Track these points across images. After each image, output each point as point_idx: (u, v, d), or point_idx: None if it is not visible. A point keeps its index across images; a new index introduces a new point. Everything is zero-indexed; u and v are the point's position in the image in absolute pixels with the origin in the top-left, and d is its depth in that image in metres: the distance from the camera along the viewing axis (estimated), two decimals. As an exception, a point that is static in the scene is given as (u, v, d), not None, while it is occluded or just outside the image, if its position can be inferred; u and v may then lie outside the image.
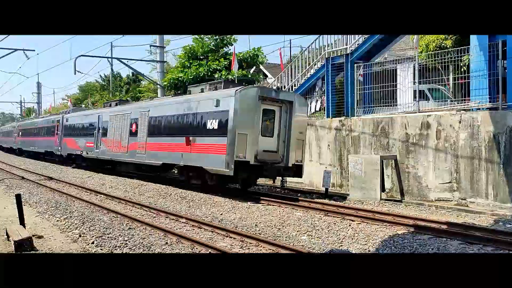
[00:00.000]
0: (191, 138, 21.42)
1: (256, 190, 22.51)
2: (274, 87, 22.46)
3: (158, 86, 34.93)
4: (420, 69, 19.40)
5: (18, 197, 14.37)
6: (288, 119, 20.71)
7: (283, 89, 24.61)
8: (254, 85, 22.71)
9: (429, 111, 18.89)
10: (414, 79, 19.64)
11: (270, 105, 20.46)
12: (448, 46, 23.78)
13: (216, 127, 20.14)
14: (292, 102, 20.76)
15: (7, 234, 12.96)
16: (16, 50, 31.08)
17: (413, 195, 18.52)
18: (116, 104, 32.16)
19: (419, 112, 19.04)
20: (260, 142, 20.09)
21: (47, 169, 35.29)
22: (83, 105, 53.65)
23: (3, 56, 34.08)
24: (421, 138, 18.40)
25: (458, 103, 18.64)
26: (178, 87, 31.97)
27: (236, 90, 19.61)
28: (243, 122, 19.37)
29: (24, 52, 31.18)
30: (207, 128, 20.61)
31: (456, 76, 19.27)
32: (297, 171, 20.78)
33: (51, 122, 44.97)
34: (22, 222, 13.91)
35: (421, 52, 23.76)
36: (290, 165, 20.59)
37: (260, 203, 18.95)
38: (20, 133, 58.10)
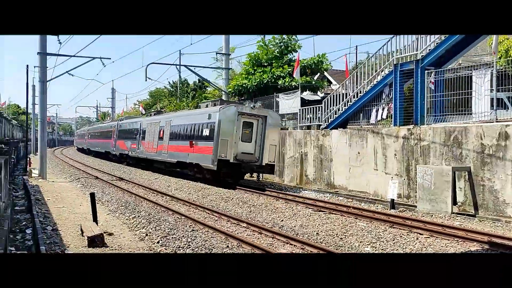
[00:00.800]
0: (193, 142, 28.28)
1: (305, 197, 22.28)
2: (252, 105, 27.50)
3: (223, 92, 35.10)
4: (498, 76, 18.17)
5: (92, 196, 15.32)
6: (263, 129, 26.74)
7: (340, 97, 27.06)
8: (235, 103, 28.82)
9: (509, 120, 17.65)
10: (492, 87, 18.42)
11: (249, 119, 26.68)
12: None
13: (208, 134, 26.88)
14: (266, 116, 26.95)
15: (81, 229, 13.68)
16: (94, 58, 33.54)
17: (488, 210, 17.28)
18: (154, 114, 40.47)
19: (497, 121, 17.81)
20: (239, 146, 26.32)
21: (116, 169, 38.37)
22: (153, 110, 54.65)
23: (83, 64, 37.06)
24: (498, 149, 17.16)
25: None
26: (242, 94, 31.80)
27: (220, 107, 26.69)
28: (225, 131, 26.00)
29: (101, 60, 32.91)
30: (202, 135, 27.47)
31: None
32: (270, 169, 26.90)
33: (109, 127, 53.80)
34: (95, 219, 14.75)
35: (499, 57, 22.43)
36: (263, 164, 26.69)
37: (322, 211, 18.73)
38: (89, 136, 67.64)
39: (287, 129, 29.00)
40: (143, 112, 54.42)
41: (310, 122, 27.85)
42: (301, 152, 27.42)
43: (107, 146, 52.32)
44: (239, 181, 27.93)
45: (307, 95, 32.32)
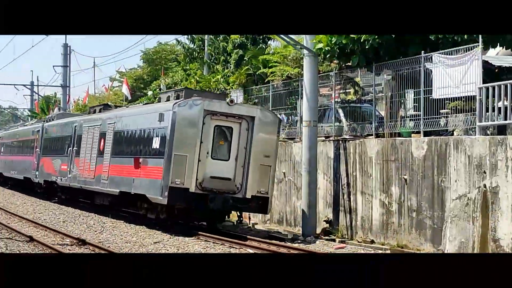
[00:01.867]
0: (140, 159, 19.34)
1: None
2: (228, 100, 18.22)
3: (305, 52, 19.14)
4: None
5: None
6: (249, 139, 17.67)
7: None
8: (200, 96, 18.18)
9: None
10: None
11: (225, 122, 17.86)
12: None
13: (158, 147, 18.28)
14: (253, 118, 17.79)
15: None
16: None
17: None
18: (99, 111, 25.79)
19: None
20: (209, 166, 17.68)
21: (65, 216, 22.51)
22: (150, 91, 38.36)
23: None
24: None
25: None
26: (348, 55, 17.18)
27: (175, 103, 17.78)
28: (182, 142, 17.40)
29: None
30: (152, 147, 18.74)
31: None
32: (260, 204, 17.65)
33: (30, 133, 33.64)
34: None
35: None
36: (248, 196, 17.59)
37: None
38: (2, 150, 40.91)
39: (451, 134, 14.86)
40: (129, 97, 34.73)
41: (507, 119, 13.84)
42: (483, 186, 13.44)
43: (27, 168, 32.65)
44: (220, 223, 19.27)
45: (500, 55, 18.11)
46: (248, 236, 17.77)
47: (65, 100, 48.49)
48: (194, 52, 32.05)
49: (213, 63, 29.06)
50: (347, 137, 17.71)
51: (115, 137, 21.92)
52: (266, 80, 22.02)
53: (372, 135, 16.74)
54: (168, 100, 19.76)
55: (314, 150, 17.75)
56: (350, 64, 17.97)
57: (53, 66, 51.01)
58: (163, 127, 18.24)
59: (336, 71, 18.54)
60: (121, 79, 44.96)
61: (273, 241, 16.78)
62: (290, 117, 21.41)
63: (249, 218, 20.53)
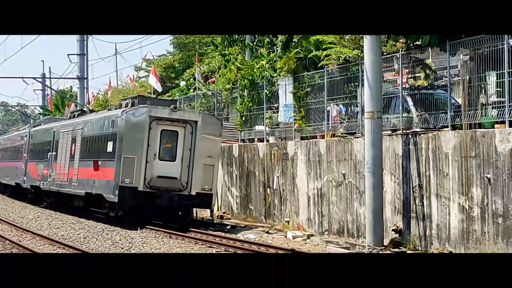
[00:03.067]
0: (98, 162, 25.11)
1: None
2: (172, 106, 23.99)
3: None
4: None
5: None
6: (192, 141, 23.50)
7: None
8: (145, 105, 24.00)
9: None
10: None
11: (171, 126, 23.64)
12: None
13: (111, 150, 23.97)
14: (196, 122, 23.69)
15: None
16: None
17: None
18: (77, 116, 32.54)
19: None
20: (156, 166, 23.35)
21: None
22: (183, 81, 39.13)
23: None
24: None
25: None
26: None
27: (123, 111, 24.00)
28: (130, 145, 23.12)
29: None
30: (107, 151, 24.41)
31: None
32: (205, 201, 23.58)
33: (19, 138, 41.73)
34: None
35: None
36: (193, 193, 23.28)
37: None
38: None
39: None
40: (158, 89, 36.90)
41: None
42: None
43: (17, 174, 39.72)
44: (176, 218, 24.46)
45: None
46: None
47: (83, 94, 49.62)
48: (234, 34, 32.71)
49: (256, 47, 29.67)
50: (418, 130, 18.05)
51: (82, 142, 28.01)
52: (320, 65, 22.43)
53: (447, 127, 17.03)
54: (126, 106, 25.23)
55: (379, 147, 18.15)
56: (419, 43, 18.32)
57: (68, 54, 52.14)
58: (114, 132, 24.03)
59: (403, 52, 18.89)
60: (149, 68, 46.11)
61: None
62: (349, 108, 21.81)
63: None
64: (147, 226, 23.07)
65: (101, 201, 25.77)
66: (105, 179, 24.60)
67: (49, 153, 32.70)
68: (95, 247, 20.26)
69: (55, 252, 19.66)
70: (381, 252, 17.43)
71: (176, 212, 24.40)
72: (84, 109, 36.47)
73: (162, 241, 21.23)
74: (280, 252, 18.47)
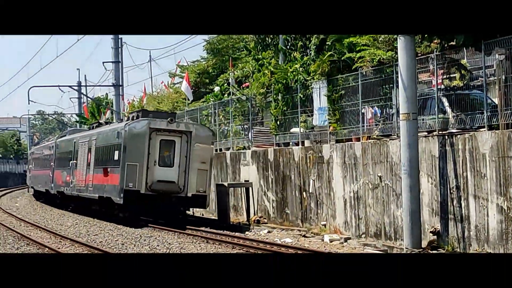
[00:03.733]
0: (108, 169, 28.42)
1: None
2: (169, 119, 27.38)
3: None
4: None
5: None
6: (187, 149, 26.83)
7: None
8: (146, 118, 27.52)
9: None
10: None
11: (168, 136, 27.05)
12: None
13: (117, 158, 27.26)
14: (191, 132, 27.15)
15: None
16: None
17: None
18: (94, 128, 36.08)
19: None
20: (156, 172, 26.70)
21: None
22: (217, 86, 39.37)
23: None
24: None
25: None
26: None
27: (126, 124, 27.81)
28: (133, 154, 26.38)
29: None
30: (114, 159, 27.73)
31: None
32: (200, 201, 26.95)
33: (48, 148, 45.36)
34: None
35: None
36: (189, 195, 26.62)
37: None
38: (33, 164, 53.26)
39: None
40: (189, 97, 37.42)
41: None
42: None
43: (46, 181, 44.08)
44: (175, 217, 27.38)
45: None
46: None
47: (118, 102, 49.81)
48: (267, 38, 32.72)
49: (289, 50, 29.65)
50: (454, 130, 17.95)
51: (96, 151, 31.37)
52: (354, 67, 22.42)
53: (484, 127, 16.90)
54: (132, 119, 28.98)
55: (415, 148, 18.11)
56: (454, 43, 18.22)
57: (103, 62, 52.24)
58: (119, 142, 27.29)
59: (437, 53, 18.82)
60: (182, 74, 46.36)
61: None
62: (384, 110, 21.74)
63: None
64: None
65: (111, 203, 28.72)
66: (112, 183, 27.78)
67: (71, 162, 36.18)
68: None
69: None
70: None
71: (174, 212, 27.68)
72: (100, 121, 40.21)
73: (200, 246, 21.52)
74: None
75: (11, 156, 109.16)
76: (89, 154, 32.48)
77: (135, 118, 28.63)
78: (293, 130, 26.20)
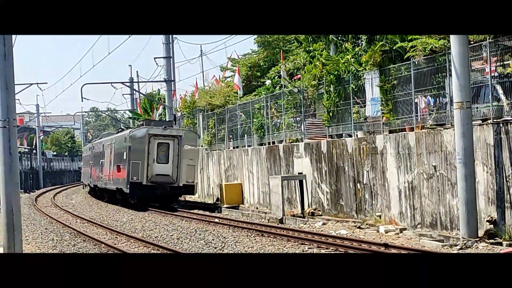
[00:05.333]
0: (120, 166, 37.29)
1: None
2: (163, 126, 36.60)
3: None
4: None
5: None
6: (179, 149, 35.25)
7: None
8: (146, 126, 36.93)
9: None
10: None
11: (164, 139, 35.48)
12: None
13: (125, 157, 36.27)
14: (181, 136, 35.81)
15: None
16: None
17: None
18: (118, 132, 46.30)
19: None
20: (154, 167, 35.09)
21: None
22: (268, 79, 39.53)
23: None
24: None
25: None
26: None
27: (130, 130, 38.51)
28: (136, 154, 35.11)
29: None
30: (124, 158, 36.64)
31: None
32: (189, 190, 35.86)
33: (88, 149, 56.83)
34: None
35: None
36: (181, 185, 35.14)
37: None
38: (83, 162, 64.90)
39: None
40: (239, 91, 38.67)
41: None
42: None
43: (87, 176, 54.78)
44: (170, 204, 36.05)
45: None
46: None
47: (170, 97, 50.34)
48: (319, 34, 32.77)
49: (341, 41, 29.73)
50: (509, 118, 17.92)
51: (115, 152, 39.86)
52: (406, 57, 22.46)
53: (540, 114, 16.86)
54: (139, 126, 39.10)
55: (469, 137, 18.17)
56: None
57: (154, 58, 53.00)
58: (126, 145, 36.13)
59: (490, 40, 18.81)
60: (234, 68, 46.85)
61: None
62: (437, 99, 21.76)
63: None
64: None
65: (124, 193, 37.12)
66: (123, 177, 36.20)
67: (101, 160, 45.22)
68: (188, 248, 21.07)
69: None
70: (474, 242, 17.51)
71: (170, 198, 36.41)
72: (122, 127, 51.31)
73: (255, 239, 21.89)
74: (373, 246, 18.76)
75: (66, 153, 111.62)
76: (111, 154, 41.09)
77: (140, 126, 38.71)
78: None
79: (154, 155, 34.78)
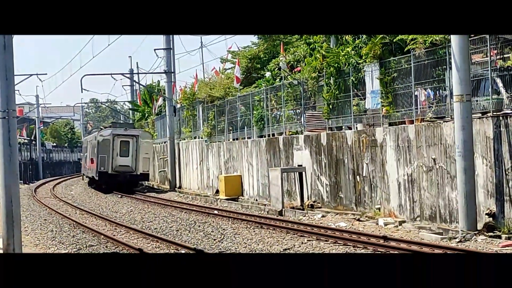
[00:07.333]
0: (93, 158, 47.48)
1: None
2: (124, 127, 49.06)
3: None
4: None
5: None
6: (137, 146, 45.67)
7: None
8: (112, 128, 48.98)
9: None
10: None
11: (125, 138, 45.98)
12: None
13: (96, 152, 46.25)
14: (138, 135, 46.58)
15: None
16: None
17: None
18: (99, 130, 53.34)
19: None
20: (118, 160, 45.20)
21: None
22: (268, 71, 39.64)
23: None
24: None
25: None
26: None
27: (98, 131, 49.27)
28: (103, 149, 45.34)
29: None
30: (95, 152, 46.68)
31: None
32: (144, 177, 47.41)
33: (83, 143, 65.64)
34: None
35: None
36: (138, 173, 45.85)
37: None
38: (81, 155, 72.00)
39: None
40: (235, 84, 39.16)
41: None
42: None
43: (82, 167, 63.07)
44: (131, 188, 45.59)
45: None
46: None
47: (170, 88, 50.25)
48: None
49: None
50: (509, 111, 17.95)
51: (91, 147, 49.78)
52: (406, 49, 22.47)
53: (539, 107, 16.88)
54: (109, 127, 49.87)
55: (469, 130, 18.21)
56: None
57: (154, 49, 53.17)
58: (96, 142, 46.07)
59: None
60: (234, 60, 46.90)
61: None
62: (437, 92, 21.80)
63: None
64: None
65: (95, 180, 47.85)
66: (94, 168, 46.29)
67: (85, 153, 55.89)
68: (188, 239, 21.15)
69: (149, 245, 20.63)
70: (473, 235, 17.57)
71: (130, 184, 46.18)
72: (101, 126, 60.95)
73: (254, 231, 21.98)
74: (372, 239, 18.81)
75: (65, 144, 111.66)
76: (89, 149, 50.97)
77: (107, 127, 51.23)
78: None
79: (118, 150, 44.82)
